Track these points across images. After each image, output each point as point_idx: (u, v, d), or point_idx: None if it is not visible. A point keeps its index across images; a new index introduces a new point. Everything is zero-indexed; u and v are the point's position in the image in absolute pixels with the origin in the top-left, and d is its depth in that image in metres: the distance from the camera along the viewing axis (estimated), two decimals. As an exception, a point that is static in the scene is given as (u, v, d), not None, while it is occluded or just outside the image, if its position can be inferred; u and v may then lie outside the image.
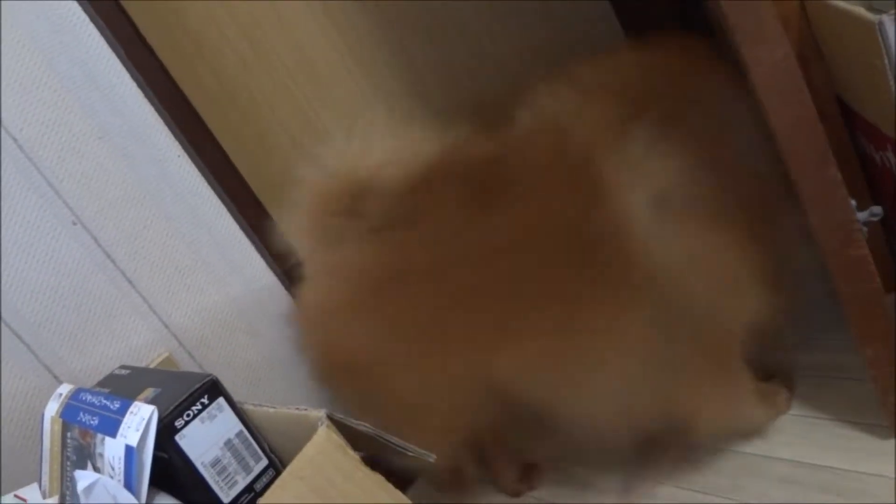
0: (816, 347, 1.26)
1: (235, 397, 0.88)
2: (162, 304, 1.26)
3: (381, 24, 1.56)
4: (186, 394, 0.80)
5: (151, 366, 1.23)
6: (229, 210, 1.32)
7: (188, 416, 0.80)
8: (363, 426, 0.79)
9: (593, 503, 1.24)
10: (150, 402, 0.81)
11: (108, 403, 0.83)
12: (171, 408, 0.79)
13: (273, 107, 1.46)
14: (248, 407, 0.87)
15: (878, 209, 0.92)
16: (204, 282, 1.30)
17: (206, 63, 1.42)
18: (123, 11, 1.24)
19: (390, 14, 1.57)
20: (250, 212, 1.33)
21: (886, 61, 0.87)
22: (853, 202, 0.89)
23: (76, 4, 1.20)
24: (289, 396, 1.39)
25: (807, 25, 1.07)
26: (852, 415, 1.12)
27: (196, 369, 1.28)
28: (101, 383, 0.98)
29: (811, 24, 1.07)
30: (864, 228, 0.90)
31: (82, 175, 1.20)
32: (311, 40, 1.50)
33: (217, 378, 0.83)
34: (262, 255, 1.35)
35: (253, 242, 1.34)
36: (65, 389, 0.93)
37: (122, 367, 1.02)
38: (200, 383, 0.82)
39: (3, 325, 1.12)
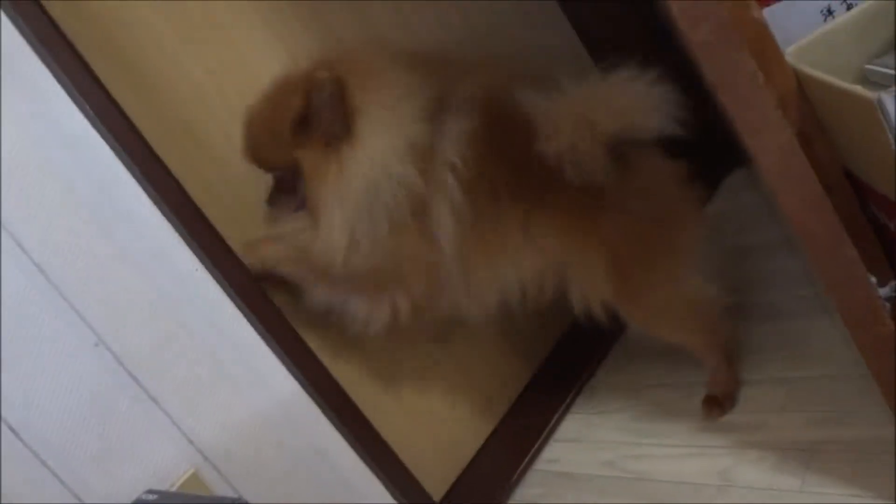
0: (850, 423, 1.23)
1: (264, 513, 0.87)
2: (186, 421, 1.25)
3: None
4: (215, 521, 0.79)
5: (177, 483, 1.22)
6: (249, 320, 1.33)
7: (218, 544, 0.79)
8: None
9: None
10: (179, 531, 0.80)
11: (137, 535, 0.82)
12: (201, 537, 0.78)
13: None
14: (279, 528, 0.86)
15: (899, 283, 0.91)
16: (227, 395, 1.30)
17: (220, 175, 1.45)
18: (138, 133, 1.28)
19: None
20: (270, 320, 1.34)
21: (890, 136, 0.89)
22: (873, 279, 0.88)
23: (92, 129, 1.24)
24: (317, 506, 1.37)
25: (806, 103, 1.09)
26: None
27: (222, 484, 1.27)
28: (128, 510, 0.97)
29: (810, 100, 1.09)
30: (887, 304, 0.89)
31: (104, 296, 1.21)
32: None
33: (245, 501, 0.82)
34: (284, 363, 1.35)
35: (274, 351, 1.34)
36: (93, 520, 0.92)
37: (150, 491, 1.01)
38: (229, 508, 0.81)
39: (29, 451, 1.12)
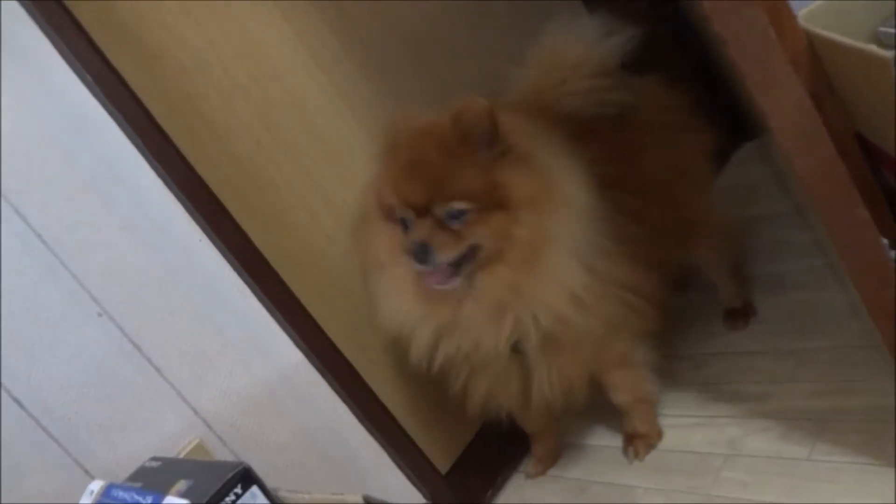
0: (863, 391, 1.22)
1: (268, 481, 0.87)
2: (190, 390, 1.25)
3: (391, 97, 1.58)
4: (219, 485, 0.79)
5: (182, 453, 1.22)
6: (253, 291, 1.32)
7: (222, 507, 0.78)
8: (402, 509, 0.77)
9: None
10: (183, 495, 0.80)
11: (140, 499, 0.82)
12: (205, 501, 0.77)
13: (291, 185, 1.47)
14: (284, 493, 0.86)
15: (912, 245, 0.89)
16: (231, 364, 1.29)
17: (224, 147, 1.43)
18: (142, 106, 1.27)
19: (399, 87, 1.60)
20: (274, 290, 1.33)
21: (904, 96, 0.86)
22: (885, 241, 0.86)
23: (95, 101, 1.22)
24: (322, 475, 1.37)
25: (817, 64, 1.07)
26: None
27: (227, 454, 1.27)
28: (132, 477, 0.97)
29: (821, 62, 1.06)
30: (900, 266, 0.87)
31: (106, 266, 1.21)
32: (321, 115, 1.52)
33: (249, 466, 0.82)
34: (288, 334, 1.34)
35: (278, 321, 1.34)
36: (96, 486, 0.91)
37: (153, 458, 1.01)
38: (233, 472, 0.80)
39: (33, 422, 1.12)
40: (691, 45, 1.70)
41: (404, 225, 1.19)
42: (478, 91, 1.21)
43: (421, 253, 1.12)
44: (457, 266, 1.14)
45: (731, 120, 1.81)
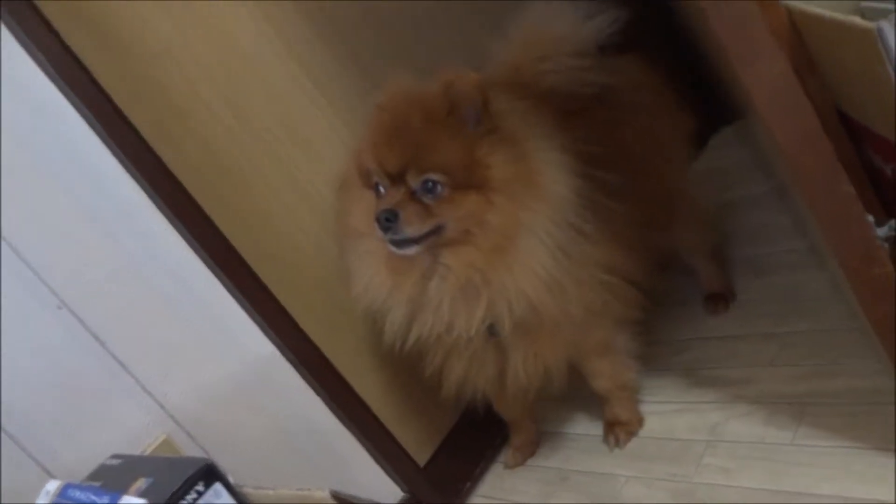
0: (845, 374, 1.21)
1: (239, 477, 0.83)
2: (156, 385, 1.21)
3: (365, 85, 1.54)
4: (180, 482, 0.75)
5: (149, 450, 1.18)
6: (221, 281, 1.28)
7: (183, 506, 0.74)
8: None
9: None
10: (142, 494, 0.76)
11: (96, 499, 0.78)
12: (164, 500, 0.73)
13: (262, 173, 1.43)
14: (248, 490, 0.82)
15: (897, 223, 0.87)
16: (199, 357, 1.25)
17: (193, 137, 1.38)
18: (103, 92, 1.22)
19: (373, 75, 1.56)
20: (243, 281, 1.29)
21: (890, 68, 0.84)
22: (871, 218, 0.84)
23: (55, 88, 1.17)
24: (296, 470, 1.33)
25: (798, 39, 1.04)
26: (893, 442, 1.05)
27: (196, 451, 1.23)
28: (91, 476, 0.93)
29: (802, 37, 1.04)
30: (885, 245, 0.85)
31: (66, 258, 1.16)
32: (295, 104, 1.48)
33: (213, 462, 0.78)
34: (259, 325, 1.30)
35: (248, 312, 1.30)
36: (53, 486, 0.87)
37: (114, 456, 0.97)
38: (195, 470, 0.77)
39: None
40: (671, 29, 1.69)
41: (378, 192, 1.16)
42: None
43: (387, 221, 1.09)
44: (418, 240, 1.12)
45: (709, 103, 1.79)
